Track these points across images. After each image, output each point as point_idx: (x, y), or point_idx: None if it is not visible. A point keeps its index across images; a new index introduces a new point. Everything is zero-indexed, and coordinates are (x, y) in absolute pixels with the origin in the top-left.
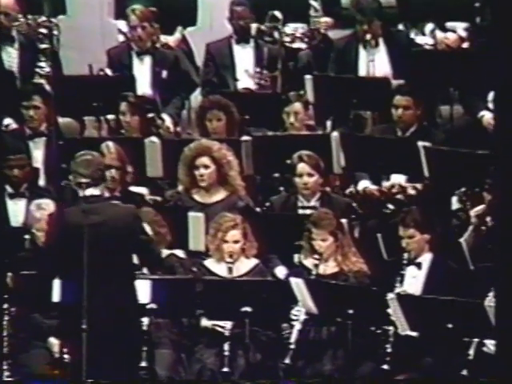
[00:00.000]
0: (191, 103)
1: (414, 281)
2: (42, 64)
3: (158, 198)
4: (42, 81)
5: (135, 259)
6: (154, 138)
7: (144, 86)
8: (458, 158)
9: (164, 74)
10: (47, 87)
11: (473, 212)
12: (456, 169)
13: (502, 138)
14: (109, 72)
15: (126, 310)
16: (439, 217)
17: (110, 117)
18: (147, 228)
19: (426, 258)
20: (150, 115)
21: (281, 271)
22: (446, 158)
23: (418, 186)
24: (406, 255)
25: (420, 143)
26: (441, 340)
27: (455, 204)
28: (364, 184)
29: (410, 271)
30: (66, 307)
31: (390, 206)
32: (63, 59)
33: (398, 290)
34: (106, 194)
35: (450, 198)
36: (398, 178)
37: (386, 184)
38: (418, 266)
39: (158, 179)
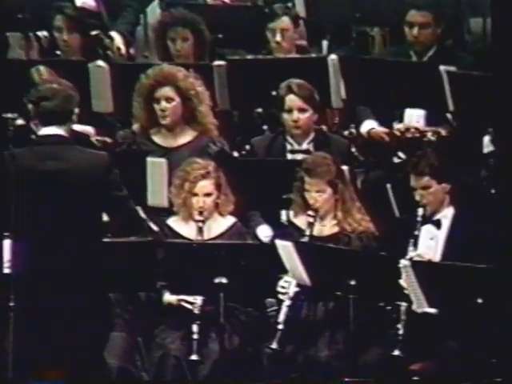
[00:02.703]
0: (148, 18)
1: (432, 243)
2: None
3: (108, 140)
4: None
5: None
6: (100, 62)
7: None
8: (492, 86)
9: None
10: None
11: None
12: (489, 100)
13: None
14: None
15: (91, 281)
16: (466, 162)
17: (42, 33)
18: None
19: (446, 214)
20: (94, 32)
21: (264, 232)
22: (477, 86)
23: (442, 131)
24: (420, 211)
25: (443, 68)
26: (467, 319)
27: (487, 146)
28: (369, 125)
29: (427, 231)
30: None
31: (401, 155)
32: None
33: (410, 254)
34: None
35: (481, 138)
36: (414, 114)
37: (398, 126)
38: (437, 224)
39: (106, 115)
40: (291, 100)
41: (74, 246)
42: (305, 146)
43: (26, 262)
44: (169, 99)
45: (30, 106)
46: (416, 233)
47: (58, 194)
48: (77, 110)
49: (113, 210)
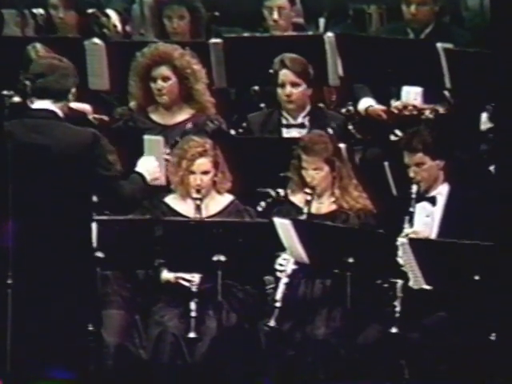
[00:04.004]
0: None
1: (428, 220)
2: None
3: (105, 117)
4: None
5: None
6: (96, 40)
7: None
8: (490, 63)
9: None
10: None
11: None
12: (487, 77)
13: None
14: None
15: (76, 258)
16: (464, 139)
17: (37, 11)
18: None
19: (441, 191)
20: (91, 10)
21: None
22: (474, 62)
23: (440, 108)
24: (414, 188)
25: (440, 45)
26: (464, 296)
27: (485, 123)
28: (366, 103)
29: (423, 209)
30: None
31: (399, 133)
32: None
33: (406, 231)
34: None
35: (478, 114)
36: (411, 91)
37: (395, 104)
38: (432, 201)
39: (103, 93)
40: (284, 74)
41: (59, 222)
42: (300, 120)
43: (15, 239)
44: (165, 78)
45: (27, 82)
46: (411, 210)
47: (41, 168)
48: (74, 90)
49: (98, 188)
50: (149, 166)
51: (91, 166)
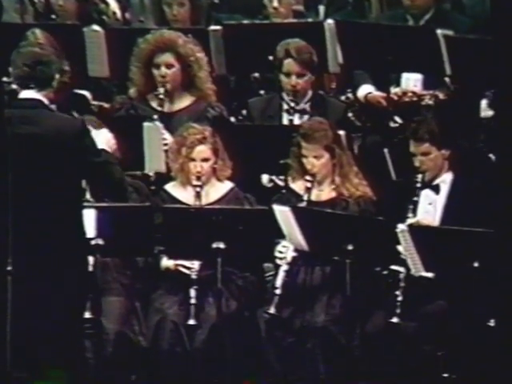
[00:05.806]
0: None
1: (430, 208)
2: None
3: (105, 105)
4: None
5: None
6: (96, 27)
7: None
8: (490, 50)
9: None
10: None
11: None
12: (488, 64)
13: None
14: None
15: (69, 246)
16: (464, 126)
17: None
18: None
19: (445, 180)
20: None
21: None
22: (475, 49)
23: (440, 94)
24: (419, 177)
25: (440, 31)
26: (464, 283)
27: (485, 110)
28: (366, 89)
29: (426, 197)
30: None
31: (398, 120)
32: None
33: (410, 220)
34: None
35: (478, 101)
36: (411, 78)
37: (395, 90)
38: (436, 189)
39: (102, 80)
40: (289, 64)
41: (51, 211)
42: (301, 105)
43: (13, 227)
44: (169, 65)
45: (10, 71)
46: (415, 199)
47: (32, 158)
48: (58, 77)
49: (90, 176)
50: (106, 141)
51: (82, 154)
